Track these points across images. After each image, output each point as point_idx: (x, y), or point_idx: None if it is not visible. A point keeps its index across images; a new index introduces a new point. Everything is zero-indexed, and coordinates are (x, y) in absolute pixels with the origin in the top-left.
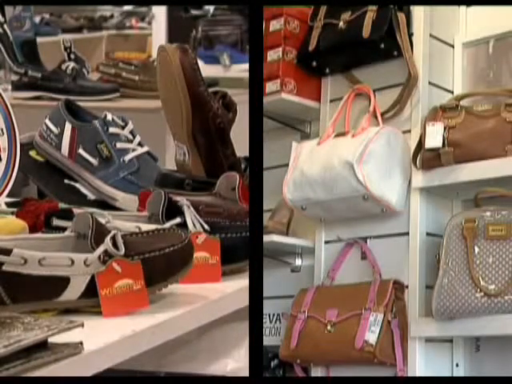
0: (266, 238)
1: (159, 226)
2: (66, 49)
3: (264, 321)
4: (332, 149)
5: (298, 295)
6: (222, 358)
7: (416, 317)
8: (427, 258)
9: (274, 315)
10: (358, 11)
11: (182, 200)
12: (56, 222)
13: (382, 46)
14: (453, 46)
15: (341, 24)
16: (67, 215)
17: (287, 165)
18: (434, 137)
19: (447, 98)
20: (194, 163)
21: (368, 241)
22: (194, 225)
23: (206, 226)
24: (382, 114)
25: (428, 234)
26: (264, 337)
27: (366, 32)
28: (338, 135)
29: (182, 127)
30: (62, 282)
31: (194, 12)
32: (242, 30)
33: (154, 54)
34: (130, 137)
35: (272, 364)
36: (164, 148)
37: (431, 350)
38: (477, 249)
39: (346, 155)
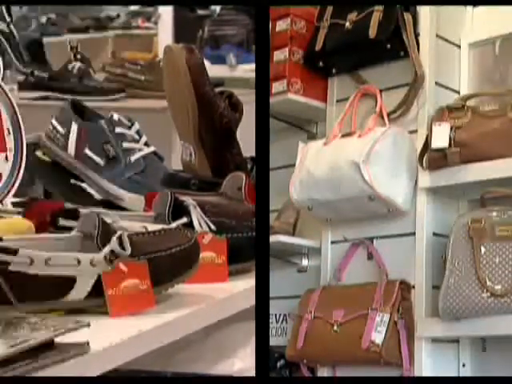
0: (273, 239)
1: (165, 226)
2: (72, 49)
3: (270, 321)
4: (338, 149)
5: (304, 295)
6: (228, 357)
7: (422, 317)
8: (433, 258)
9: (280, 315)
10: (364, 11)
11: (188, 200)
12: (62, 221)
13: (389, 46)
14: (459, 47)
15: (347, 24)
16: (73, 215)
17: (294, 165)
18: (441, 137)
19: (453, 99)
20: (200, 163)
21: (374, 241)
22: (200, 225)
23: (213, 226)
24: (389, 115)
25: (434, 234)
26: (270, 337)
27: (372, 32)
28: (344, 135)
29: (189, 127)
30: (69, 282)
31: (201, 12)
32: (248, 29)
33: (160, 54)
34: (136, 137)
35: (278, 364)
36: (170, 148)
37: (437, 351)
38: (483, 249)
39: (352, 155)
